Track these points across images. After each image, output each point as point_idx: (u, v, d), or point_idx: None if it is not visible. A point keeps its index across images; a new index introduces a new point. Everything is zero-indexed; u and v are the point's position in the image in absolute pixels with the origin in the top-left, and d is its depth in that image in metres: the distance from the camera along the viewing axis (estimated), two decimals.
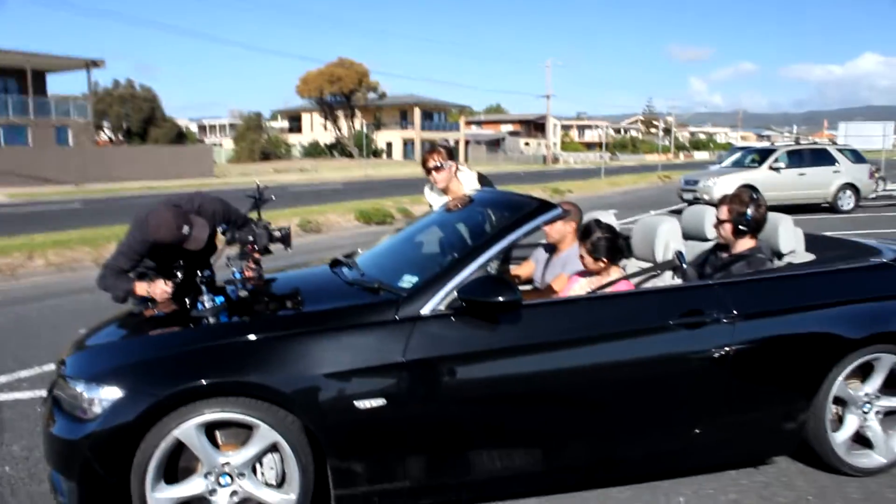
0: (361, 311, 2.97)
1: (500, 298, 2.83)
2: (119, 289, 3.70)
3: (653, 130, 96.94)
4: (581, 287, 3.57)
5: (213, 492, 2.78)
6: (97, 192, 26.73)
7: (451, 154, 4.59)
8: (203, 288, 3.12)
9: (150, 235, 3.51)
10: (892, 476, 3.45)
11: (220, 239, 3.95)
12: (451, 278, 2.97)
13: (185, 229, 3.50)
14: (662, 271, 3.55)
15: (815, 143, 18.80)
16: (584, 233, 3.56)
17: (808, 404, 3.29)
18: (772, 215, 3.87)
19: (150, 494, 2.69)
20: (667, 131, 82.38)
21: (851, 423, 3.45)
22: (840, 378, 3.32)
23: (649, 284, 3.57)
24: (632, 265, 3.92)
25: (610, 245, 3.46)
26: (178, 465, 2.79)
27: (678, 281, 3.50)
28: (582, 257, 3.55)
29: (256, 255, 3.74)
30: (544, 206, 3.25)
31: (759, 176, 15.95)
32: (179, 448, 2.73)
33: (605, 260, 3.47)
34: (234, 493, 2.79)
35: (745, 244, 3.78)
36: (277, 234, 3.71)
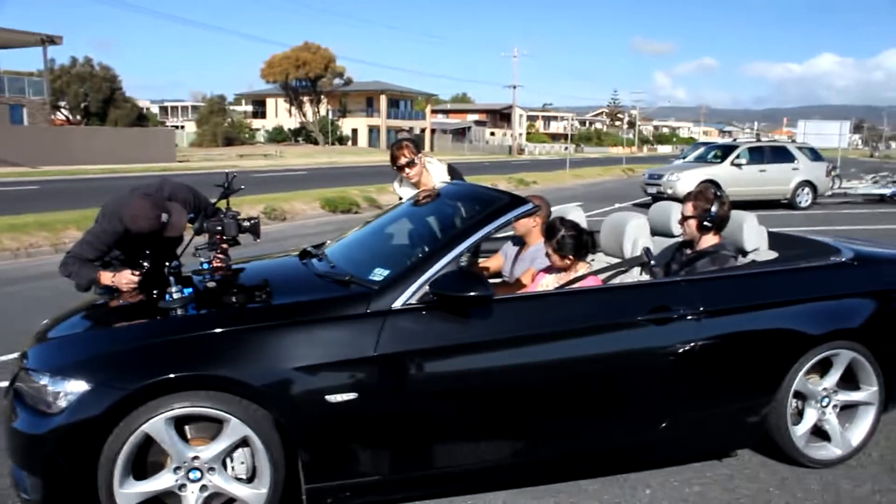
0: (332, 305, 2.96)
1: (473, 293, 2.84)
2: (83, 277, 3.62)
3: (617, 123, 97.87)
4: (548, 283, 3.60)
5: (182, 486, 2.74)
6: (55, 173, 26.02)
7: (418, 145, 4.57)
8: (171, 279, 3.07)
9: (129, 227, 3.44)
10: (848, 467, 3.56)
11: (188, 228, 3.89)
12: (423, 272, 2.97)
13: (164, 217, 3.46)
14: (630, 267, 3.60)
15: (776, 140, 19.23)
16: (548, 232, 3.59)
17: (771, 399, 3.38)
18: (737, 213, 3.94)
19: (118, 490, 2.65)
20: (631, 124, 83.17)
21: (810, 417, 3.55)
22: (801, 373, 3.41)
23: (617, 280, 3.62)
24: (600, 261, 3.96)
25: (575, 242, 3.49)
26: (146, 460, 2.75)
27: (646, 277, 3.55)
28: (548, 254, 3.58)
29: (225, 246, 3.70)
30: (516, 201, 3.27)
31: (721, 171, 16.26)
32: (148, 442, 2.69)
33: (571, 257, 3.50)
34: (203, 487, 2.76)
35: (709, 241, 3.85)
36: (246, 224, 3.66)
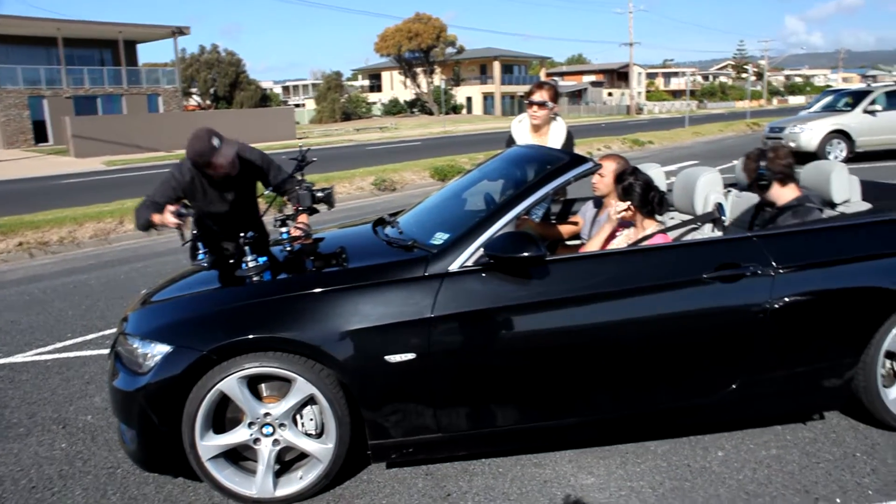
0: (392, 268, 3.06)
1: (524, 254, 2.86)
2: (140, 217, 3.82)
3: (744, 76, 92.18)
4: (618, 243, 3.53)
5: (256, 440, 2.96)
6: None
7: (557, 95, 4.53)
8: (246, 249, 3.27)
9: (187, 150, 3.69)
10: None
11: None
12: (479, 235, 3.02)
13: (216, 141, 3.65)
14: (701, 224, 3.46)
15: None
16: (619, 176, 3.53)
17: (857, 359, 3.18)
18: (823, 163, 3.70)
19: (200, 442, 2.90)
20: (759, 76, 78.04)
21: None
22: (894, 332, 3.19)
23: (689, 238, 3.50)
24: (674, 219, 3.83)
25: (642, 193, 3.41)
26: (225, 416, 2.99)
27: (718, 234, 3.41)
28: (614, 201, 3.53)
29: (303, 217, 3.87)
30: (575, 160, 3.23)
31: (851, 120, 15.04)
32: (226, 399, 2.92)
33: (633, 206, 3.42)
34: (275, 441, 2.97)
35: (788, 195, 3.63)
36: (320, 194, 3.81)
